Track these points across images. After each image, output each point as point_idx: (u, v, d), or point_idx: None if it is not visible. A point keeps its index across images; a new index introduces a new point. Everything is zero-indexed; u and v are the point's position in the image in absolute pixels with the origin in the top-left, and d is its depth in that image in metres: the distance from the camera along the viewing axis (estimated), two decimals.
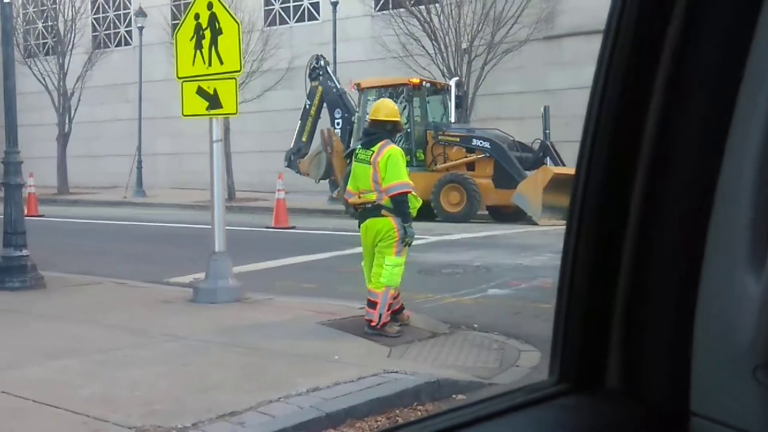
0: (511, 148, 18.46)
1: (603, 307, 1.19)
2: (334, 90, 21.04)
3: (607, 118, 1.17)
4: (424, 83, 19.57)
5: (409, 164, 18.57)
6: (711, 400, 1.11)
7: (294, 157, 21.65)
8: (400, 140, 18.00)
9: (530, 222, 17.67)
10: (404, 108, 18.78)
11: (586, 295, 1.21)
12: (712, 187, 1.12)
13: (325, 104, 21.34)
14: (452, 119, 19.67)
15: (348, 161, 19.50)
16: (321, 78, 21.26)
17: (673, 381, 1.14)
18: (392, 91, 19.30)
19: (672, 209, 1.16)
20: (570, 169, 17.13)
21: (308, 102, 21.55)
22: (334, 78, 21.32)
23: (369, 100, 19.63)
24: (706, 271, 1.13)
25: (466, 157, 18.76)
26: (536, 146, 18.67)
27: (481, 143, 18.62)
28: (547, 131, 18.46)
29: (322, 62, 21.37)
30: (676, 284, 1.16)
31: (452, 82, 19.95)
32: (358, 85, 20.03)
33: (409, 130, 18.87)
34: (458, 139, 18.86)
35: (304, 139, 21.72)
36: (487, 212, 19.02)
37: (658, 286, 1.17)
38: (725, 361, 1.10)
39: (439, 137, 18.94)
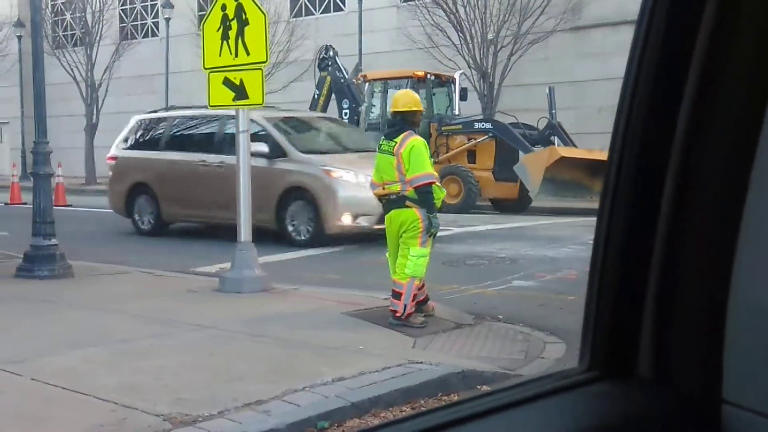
0: (515, 127, 18.52)
1: (634, 295, 1.19)
2: (342, 80, 21.21)
3: (638, 110, 1.17)
4: (428, 76, 19.76)
5: None
6: (743, 388, 1.10)
7: None
8: None
9: (552, 213, 17.63)
10: None
11: (618, 281, 1.20)
12: (746, 176, 1.11)
13: (333, 94, 21.51)
14: (456, 111, 19.76)
15: None
16: (329, 68, 21.44)
17: (705, 369, 1.14)
18: (397, 83, 19.54)
19: (705, 197, 1.15)
20: (578, 151, 17.27)
21: (317, 92, 21.82)
22: (342, 68, 21.50)
23: (375, 91, 20.17)
24: (738, 259, 1.12)
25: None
26: (542, 126, 18.72)
27: (483, 125, 18.82)
28: (553, 111, 18.56)
29: (331, 52, 21.52)
30: (708, 272, 1.15)
31: (457, 75, 20.02)
32: (365, 76, 20.33)
33: None
34: (460, 127, 19.04)
35: None
36: (490, 204, 19.09)
37: (690, 273, 1.16)
38: (758, 349, 1.09)
39: (442, 128, 19.14)
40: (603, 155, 15.74)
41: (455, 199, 18.21)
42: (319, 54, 21.83)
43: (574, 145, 17.90)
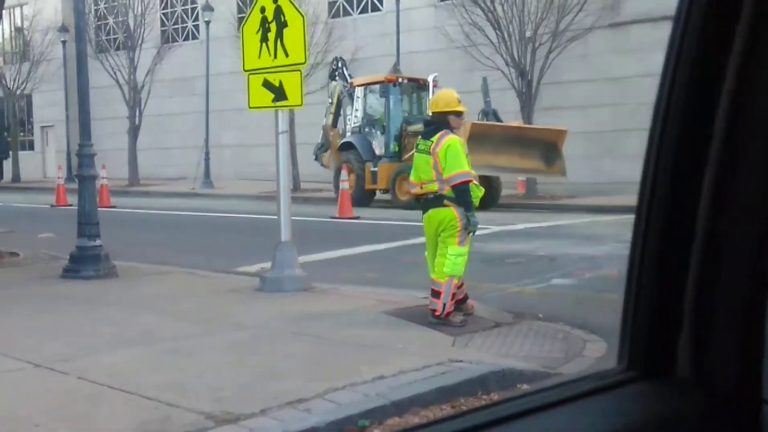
0: None
1: (672, 295, 1.18)
2: (347, 89, 22.56)
3: (676, 109, 1.17)
4: (399, 79, 21.02)
5: (383, 156, 20.43)
6: None
7: (319, 152, 23.44)
8: (377, 134, 20.84)
9: (591, 211, 17.55)
10: (383, 103, 20.90)
11: (656, 282, 1.20)
12: None
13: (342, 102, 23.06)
14: (430, 113, 20.10)
15: (340, 153, 21.62)
16: (337, 78, 22.91)
17: (744, 369, 1.13)
18: (376, 87, 21.01)
19: (743, 196, 1.15)
20: (490, 124, 18.85)
21: (330, 100, 23.27)
22: (347, 78, 22.77)
23: (358, 97, 21.68)
24: None
25: None
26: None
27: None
28: (488, 99, 19.86)
29: (339, 63, 23.07)
30: (747, 271, 1.14)
31: (430, 78, 20.57)
32: (351, 83, 21.98)
33: (384, 124, 20.77)
34: (420, 126, 19.38)
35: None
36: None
37: (729, 274, 1.16)
38: None
39: (408, 128, 20.12)
40: (517, 124, 16.84)
41: (406, 196, 19.03)
42: (330, 66, 23.35)
43: None
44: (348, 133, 22.00)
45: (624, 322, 1.23)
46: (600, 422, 1.14)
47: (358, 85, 21.80)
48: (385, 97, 20.86)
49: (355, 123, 21.76)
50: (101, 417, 4.75)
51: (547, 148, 19.35)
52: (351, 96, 22.29)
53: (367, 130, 21.45)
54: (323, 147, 23.27)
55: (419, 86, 21.34)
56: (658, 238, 1.21)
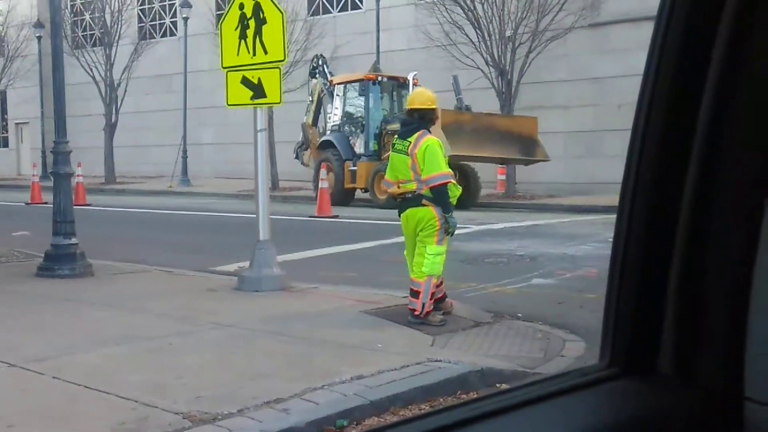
0: None
1: (655, 291, 1.18)
2: (327, 87, 22.69)
3: (658, 107, 1.16)
4: (379, 78, 21.27)
5: (363, 154, 20.55)
6: (765, 385, 1.09)
7: (300, 150, 23.41)
8: (356, 132, 20.97)
9: (571, 211, 17.65)
10: (363, 101, 21.06)
11: (638, 278, 1.19)
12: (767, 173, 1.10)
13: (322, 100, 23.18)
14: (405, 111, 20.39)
15: (320, 151, 21.76)
16: (318, 76, 22.95)
17: (727, 366, 1.13)
18: (356, 85, 21.21)
19: (726, 193, 1.14)
20: (460, 112, 19.18)
21: (310, 98, 23.30)
22: (328, 76, 22.85)
23: (338, 95, 21.79)
24: (761, 256, 1.11)
25: None
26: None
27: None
28: (460, 96, 20.01)
29: (320, 61, 23.09)
30: (730, 269, 1.14)
31: (410, 77, 20.74)
32: (331, 81, 22.16)
33: (363, 122, 20.88)
34: (397, 125, 19.63)
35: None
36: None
37: (712, 270, 1.15)
38: None
39: (387, 127, 20.25)
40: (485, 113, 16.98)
41: (384, 194, 19.25)
42: (311, 63, 23.33)
43: None
44: (327, 132, 22.01)
45: (606, 319, 1.22)
46: (581, 419, 1.13)
47: (338, 83, 21.81)
48: (365, 95, 20.93)
49: (334, 121, 21.79)
50: (77, 417, 4.70)
51: (522, 137, 19.62)
52: (331, 94, 22.31)
53: (346, 128, 21.47)
54: (303, 145, 23.27)
55: (399, 84, 21.42)
56: (640, 235, 1.20)
